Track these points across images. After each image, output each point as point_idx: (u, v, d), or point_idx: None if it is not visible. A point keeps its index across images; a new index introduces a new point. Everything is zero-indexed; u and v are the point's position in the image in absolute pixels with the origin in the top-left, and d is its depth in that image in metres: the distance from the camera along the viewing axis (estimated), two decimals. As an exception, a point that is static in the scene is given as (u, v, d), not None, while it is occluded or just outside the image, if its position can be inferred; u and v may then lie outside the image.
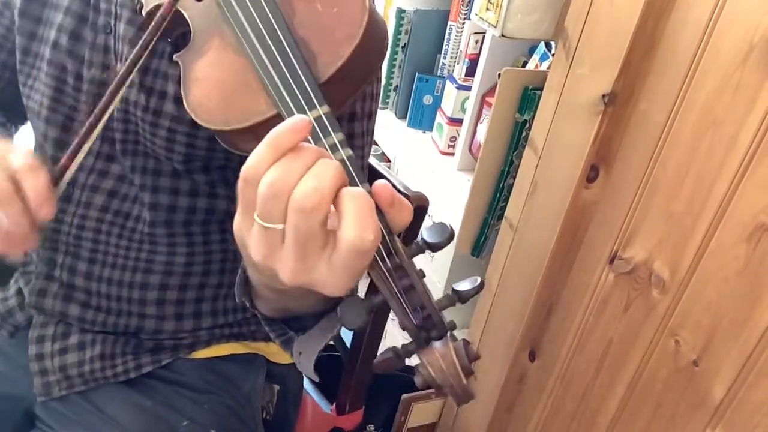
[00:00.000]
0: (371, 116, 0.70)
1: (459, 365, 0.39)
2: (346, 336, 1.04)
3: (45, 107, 0.67)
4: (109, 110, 0.51)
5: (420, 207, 0.87)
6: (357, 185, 0.40)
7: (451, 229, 0.41)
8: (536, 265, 1.07)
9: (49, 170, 0.49)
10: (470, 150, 1.39)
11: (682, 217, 0.82)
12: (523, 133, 1.14)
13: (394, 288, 0.39)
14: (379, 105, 0.79)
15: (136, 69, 0.51)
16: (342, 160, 0.41)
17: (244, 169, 0.38)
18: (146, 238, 0.70)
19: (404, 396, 1.36)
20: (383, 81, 1.58)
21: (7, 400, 0.74)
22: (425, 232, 0.40)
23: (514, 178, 1.12)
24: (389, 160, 1.73)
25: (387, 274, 0.39)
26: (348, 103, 0.48)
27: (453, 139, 1.48)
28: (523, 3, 1.05)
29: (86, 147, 0.50)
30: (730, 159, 0.75)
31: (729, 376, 0.78)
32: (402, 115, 1.68)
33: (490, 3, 1.09)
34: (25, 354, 0.73)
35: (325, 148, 0.41)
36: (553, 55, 1.17)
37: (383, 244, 0.39)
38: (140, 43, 0.50)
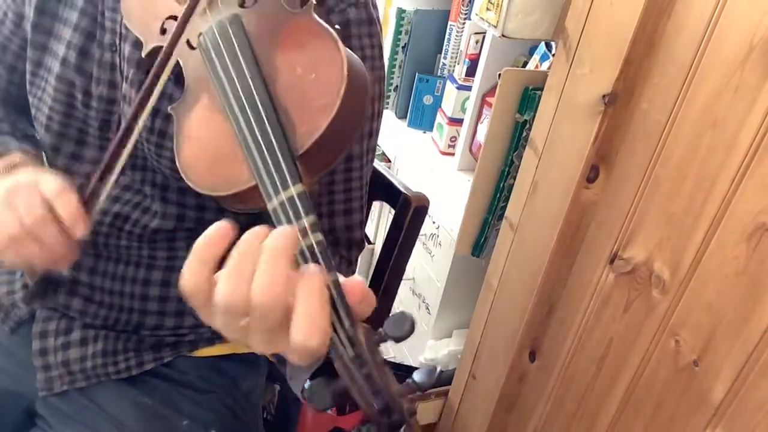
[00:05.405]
0: (371, 135, 0.71)
1: None
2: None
3: (56, 122, 0.69)
4: (128, 147, 0.53)
5: (420, 207, 0.87)
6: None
7: (412, 320, 0.41)
8: (536, 265, 1.07)
9: (83, 191, 0.54)
10: (470, 150, 1.39)
11: (682, 217, 0.82)
12: (524, 133, 1.14)
13: (355, 375, 0.40)
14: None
15: (146, 114, 0.53)
16: (310, 246, 0.40)
17: (182, 285, 0.40)
18: (149, 236, 0.71)
19: (404, 396, 1.36)
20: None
21: (8, 396, 0.74)
22: (387, 326, 0.41)
23: (515, 178, 1.12)
24: (389, 160, 1.74)
25: (348, 361, 0.40)
26: (330, 169, 0.49)
27: (453, 139, 1.48)
28: (523, 3, 1.05)
29: (114, 175, 0.54)
30: (730, 159, 0.75)
31: (729, 376, 0.78)
32: (402, 115, 1.68)
33: (491, 3, 1.09)
34: (26, 351, 0.73)
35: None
36: (553, 55, 1.17)
37: (346, 335, 0.39)
38: (143, 88, 0.52)
